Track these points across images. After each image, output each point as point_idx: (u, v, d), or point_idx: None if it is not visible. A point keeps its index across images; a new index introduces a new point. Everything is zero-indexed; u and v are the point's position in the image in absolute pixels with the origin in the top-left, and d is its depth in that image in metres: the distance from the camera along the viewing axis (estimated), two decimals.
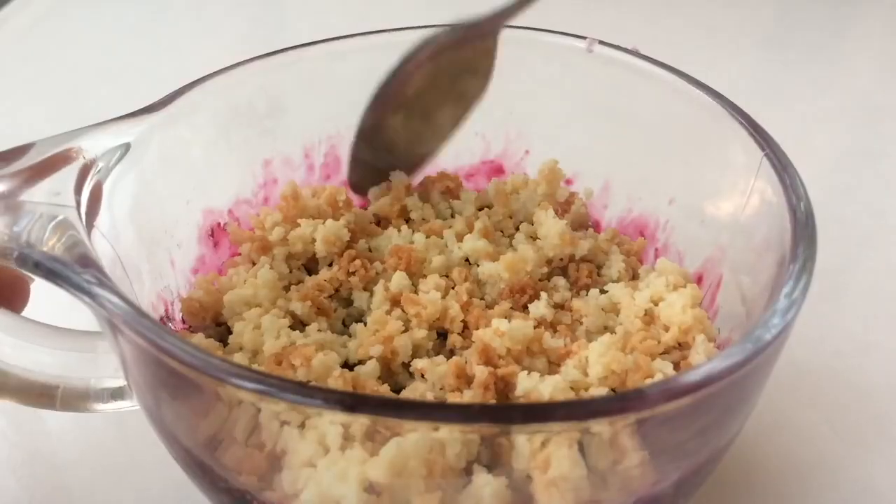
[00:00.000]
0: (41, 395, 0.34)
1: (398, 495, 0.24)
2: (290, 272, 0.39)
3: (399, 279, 0.36)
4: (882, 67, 0.69)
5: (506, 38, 0.43)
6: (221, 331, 0.37)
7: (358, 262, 0.37)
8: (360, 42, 0.42)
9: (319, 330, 0.35)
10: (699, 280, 0.39)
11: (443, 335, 0.36)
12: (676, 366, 0.33)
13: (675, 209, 0.41)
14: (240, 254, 0.40)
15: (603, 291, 0.38)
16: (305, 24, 0.83)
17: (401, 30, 0.42)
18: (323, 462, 0.25)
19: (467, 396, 0.30)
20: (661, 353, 0.34)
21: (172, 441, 0.29)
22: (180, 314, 0.37)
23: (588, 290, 0.38)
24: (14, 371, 0.34)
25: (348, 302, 0.38)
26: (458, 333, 0.35)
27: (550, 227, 0.38)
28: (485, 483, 0.25)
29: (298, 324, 0.36)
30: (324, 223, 0.39)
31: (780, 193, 0.31)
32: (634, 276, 0.40)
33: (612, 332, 0.35)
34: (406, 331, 0.34)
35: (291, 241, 0.39)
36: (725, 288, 0.36)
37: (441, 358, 0.33)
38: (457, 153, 0.45)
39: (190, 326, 0.37)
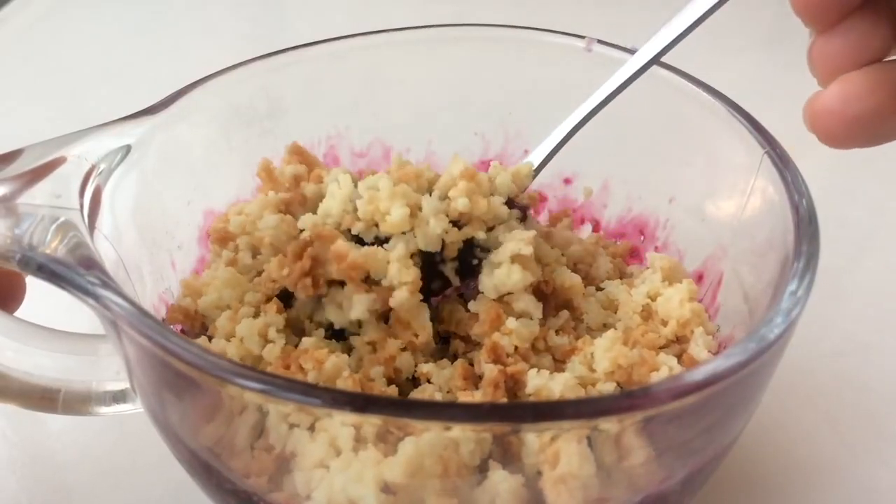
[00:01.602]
0: (43, 398, 0.34)
1: (414, 494, 0.24)
2: (255, 258, 0.36)
3: (360, 305, 0.32)
4: None
5: (505, 37, 0.43)
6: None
7: (308, 281, 0.32)
8: (360, 42, 0.42)
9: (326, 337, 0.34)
10: (700, 278, 0.39)
11: (443, 339, 0.36)
12: (678, 358, 0.33)
13: (675, 208, 0.41)
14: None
15: (599, 289, 0.38)
16: (305, 24, 0.83)
17: (401, 30, 0.42)
18: (336, 463, 0.25)
19: (478, 396, 0.30)
20: (660, 347, 0.34)
21: (177, 443, 0.29)
22: None
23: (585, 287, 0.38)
24: (15, 375, 0.33)
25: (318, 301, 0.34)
26: (461, 337, 0.35)
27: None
28: (501, 479, 0.25)
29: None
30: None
31: (782, 191, 0.31)
32: (621, 277, 0.40)
33: (613, 328, 0.35)
34: (405, 349, 0.33)
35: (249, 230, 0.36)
36: (727, 286, 0.37)
37: (445, 362, 0.33)
38: (456, 153, 0.46)
39: (186, 330, 0.37)
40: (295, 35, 0.62)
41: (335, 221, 0.34)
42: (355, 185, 0.35)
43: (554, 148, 0.38)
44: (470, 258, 0.34)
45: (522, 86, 0.44)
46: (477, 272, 0.34)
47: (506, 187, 0.35)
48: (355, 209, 0.34)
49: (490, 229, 0.34)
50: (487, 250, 0.34)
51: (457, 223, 0.34)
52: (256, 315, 0.33)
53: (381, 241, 0.33)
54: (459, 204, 0.33)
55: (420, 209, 0.33)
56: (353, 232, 0.33)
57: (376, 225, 0.33)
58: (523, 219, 0.36)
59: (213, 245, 0.37)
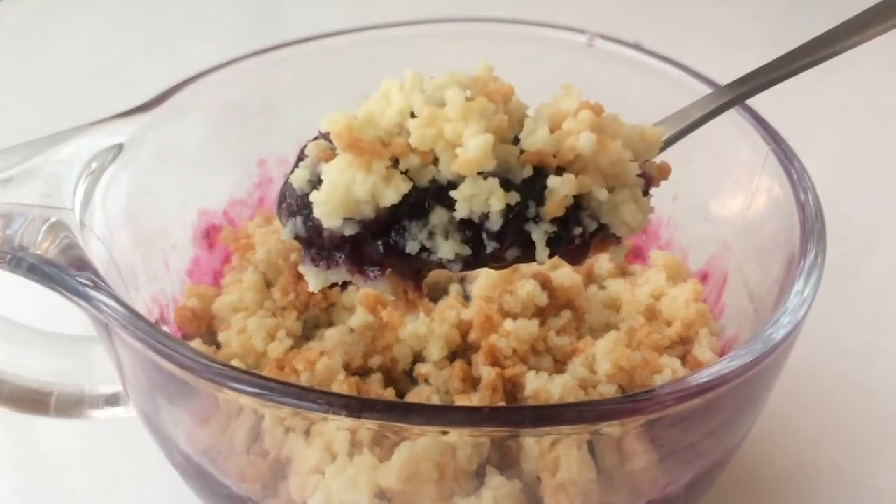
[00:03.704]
0: (35, 401, 0.33)
1: (409, 500, 0.24)
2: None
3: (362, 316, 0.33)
4: (887, 65, 0.68)
5: (506, 32, 0.43)
6: (216, 339, 0.36)
7: (319, 295, 0.34)
8: (356, 37, 0.41)
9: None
10: (704, 278, 0.38)
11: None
12: (682, 360, 0.33)
13: (678, 206, 0.41)
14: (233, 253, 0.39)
15: (602, 288, 0.37)
16: (301, 19, 0.82)
17: (399, 25, 0.42)
18: (331, 469, 0.25)
19: (475, 399, 0.30)
20: (664, 348, 0.34)
21: (171, 447, 0.28)
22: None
23: (587, 287, 0.37)
24: (7, 378, 0.33)
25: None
26: (462, 338, 0.34)
27: None
28: (498, 485, 0.24)
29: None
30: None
31: (787, 188, 0.31)
32: (623, 275, 0.39)
33: (616, 328, 0.35)
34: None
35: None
36: (731, 286, 0.36)
37: (444, 361, 0.33)
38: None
39: (185, 334, 0.36)
40: (290, 30, 0.62)
41: (378, 136, 0.22)
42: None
43: (686, 126, 0.29)
44: (572, 224, 0.22)
45: (523, 81, 0.43)
46: (574, 246, 0.23)
47: (633, 142, 0.24)
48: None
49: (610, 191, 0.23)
50: (596, 219, 0.23)
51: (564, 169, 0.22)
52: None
53: (442, 187, 0.22)
54: (581, 142, 0.21)
55: (512, 140, 0.22)
56: (401, 168, 0.22)
57: (436, 160, 0.22)
58: (645, 193, 0.25)
59: (239, 258, 0.38)
